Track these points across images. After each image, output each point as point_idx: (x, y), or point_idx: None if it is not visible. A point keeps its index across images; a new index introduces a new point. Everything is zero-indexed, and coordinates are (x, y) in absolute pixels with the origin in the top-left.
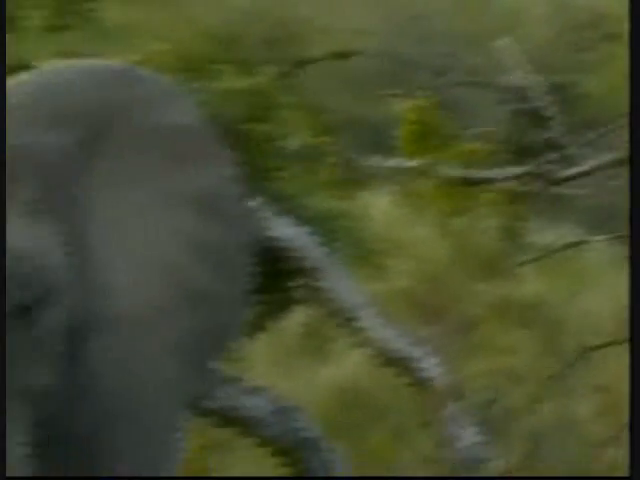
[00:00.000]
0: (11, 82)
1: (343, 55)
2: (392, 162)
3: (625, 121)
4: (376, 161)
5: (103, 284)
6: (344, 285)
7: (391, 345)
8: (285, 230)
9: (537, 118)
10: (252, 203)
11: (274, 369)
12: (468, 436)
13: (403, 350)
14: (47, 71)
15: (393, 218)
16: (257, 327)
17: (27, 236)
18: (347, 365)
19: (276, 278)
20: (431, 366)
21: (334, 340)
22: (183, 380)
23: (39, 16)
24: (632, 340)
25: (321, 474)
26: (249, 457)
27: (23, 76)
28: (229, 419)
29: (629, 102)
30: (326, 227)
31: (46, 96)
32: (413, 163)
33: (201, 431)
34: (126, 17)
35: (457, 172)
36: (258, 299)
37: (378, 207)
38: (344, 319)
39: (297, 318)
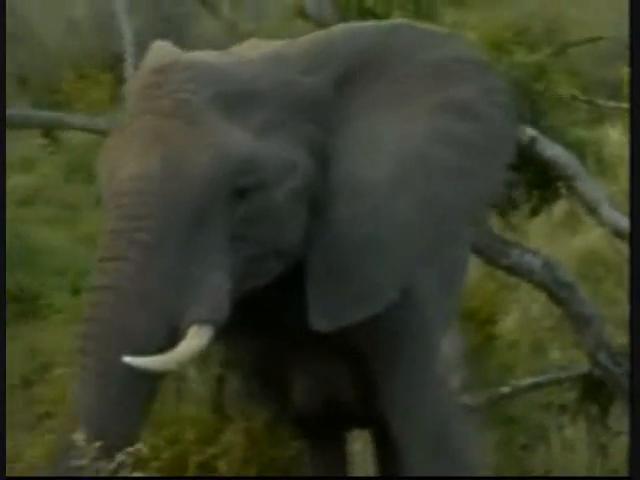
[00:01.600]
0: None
1: (591, 40)
2: (624, 106)
3: None
4: (612, 105)
5: (348, 169)
6: (591, 186)
7: (619, 223)
8: (554, 151)
9: None
10: (531, 131)
11: (544, 239)
12: None
13: (627, 227)
14: (326, 31)
15: (623, 143)
16: (535, 211)
17: (247, 145)
18: (591, 237)
19: (548, 181)
20: None
21: (584, 221)
22: (429, 227)
23: (401, 15)
24: (632, 339)
25: (573, 307)
26: (527, 295)
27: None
28: (514, 270)
29: (629, 101)
30: (579, 149)
31: (311, 49)
32: None
33: (494, 277)
34: (457, 17)
35: None
36: (537, 194)
37: (612, 136)
38: (590, 208)
39: (560, 207)
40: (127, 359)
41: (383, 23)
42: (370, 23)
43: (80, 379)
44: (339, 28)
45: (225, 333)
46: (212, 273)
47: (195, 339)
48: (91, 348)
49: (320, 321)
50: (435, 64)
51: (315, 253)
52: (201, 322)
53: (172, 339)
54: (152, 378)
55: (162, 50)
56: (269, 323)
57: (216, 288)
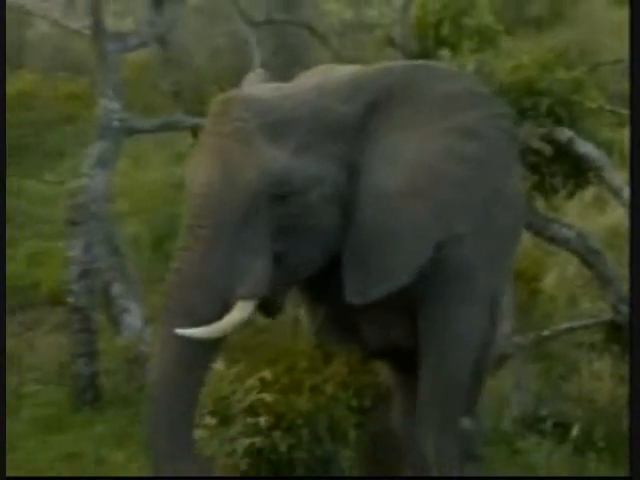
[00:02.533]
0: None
1: (616, 61)
2: None
3: None
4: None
5: (372, 174)
6: (615, 175)
7: None
8: (586, 148)
9: None
10: (568, 133)
11: (578, 216)
12: None
13: None
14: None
15: None
16: (571, 195)
17: (283, 162)
18: (615, 215)
19: (582, 171)
20: None
21: (609, 203)
22: (437, 227)
23: (469, 44)
24: (632, 340)
25: (599, 269)
26: (564, 259)
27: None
28: (555, 240)
29: (629, 102)
30: (606, 147)
31: (348, 82)
32: None
33: (539, 245)
34: (512, 44)
35: None
36: (572, 181)
37: None
38: (614, 192)
39: (591, 191)
40: (180, 331)
41: (408, 63)
42: (397, 62)
43: (158, 344)
44: (373, 66)
45: (306, 300)
46: (255, 261)
47: (238, 312)
48: (165, 319)
49: (353, 297)
50: (446, 96)
51: (348, 247)
52: (245, 298)
53: (223, 312)
54: (208, 345)
55: (253, 78)
56: (328, 295)
57: (258, 273)
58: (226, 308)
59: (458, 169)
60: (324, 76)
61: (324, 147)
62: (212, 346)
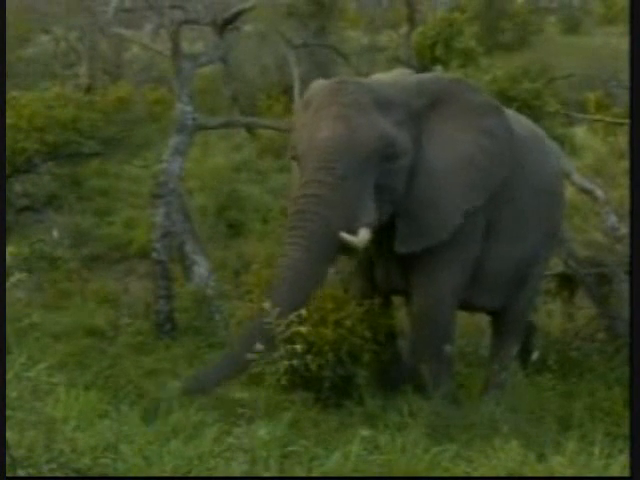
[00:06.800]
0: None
1: (568, 76)
2: (587, 117)
3: None
4: (579, 116)
5: (426, 153)
6: (566, 162)
7: (583, 184)
8: None
9: None
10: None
11: None
12: None
13: (589, 186)
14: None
15: (585, 137)
16: None
17: (391, 131)
18: (566, 192)
19: None
20: None
21: None
22: (466, 200)
23: (457, 62)
24: (632, 339)
25: None
26: None
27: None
28: None
29: (629, 104)
30: (560, 140)
31: (417, 83)
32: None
33: None
34: (489, 61)
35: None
36: None
37: (579, 133)
38: (565, 174)
39: None
40: (343, 235)
41: (450, 75)
42: (443, 75)
43: (290, 247)
44: (430, 74)
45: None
46: (368, 200)
47: (365, 233)
48: (298, 232)
49: (400, 248)
50: (474, 103)
51: (403, 209)
52: (366, 226)
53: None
54: (328, 262)
55: (318, 84)
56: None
57: (370, 209)
58: (350, 232)
59: (481, 158)
60: (392, 76)
61: (408, 127)
62: (329, 263)
